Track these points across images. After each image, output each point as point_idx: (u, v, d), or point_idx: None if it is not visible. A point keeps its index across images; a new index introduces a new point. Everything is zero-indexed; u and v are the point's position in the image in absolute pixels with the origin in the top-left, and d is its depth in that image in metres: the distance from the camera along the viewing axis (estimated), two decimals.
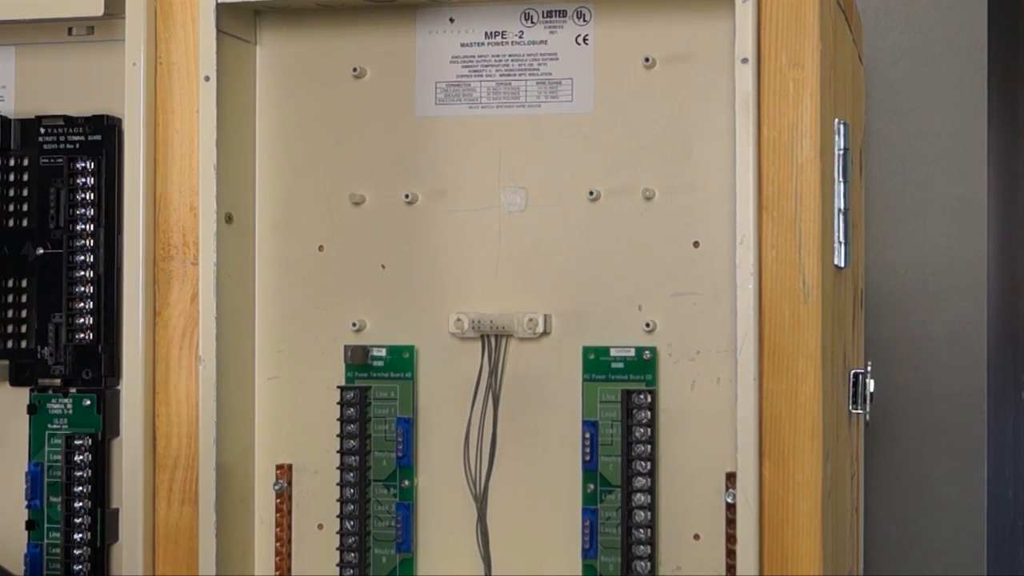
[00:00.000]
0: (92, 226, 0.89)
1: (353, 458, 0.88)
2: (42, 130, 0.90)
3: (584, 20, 0.87)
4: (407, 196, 0.90)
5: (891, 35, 1.37)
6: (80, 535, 0.90)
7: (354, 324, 0.90)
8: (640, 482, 0.85)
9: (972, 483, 1.37)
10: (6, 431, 0.93)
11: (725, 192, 0.85)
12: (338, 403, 0.88)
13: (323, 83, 0.92)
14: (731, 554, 0.83)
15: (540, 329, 0.87)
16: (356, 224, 0.91)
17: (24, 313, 0.90)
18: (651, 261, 0.86)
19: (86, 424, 0.90)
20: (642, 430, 0.85)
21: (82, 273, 0.89)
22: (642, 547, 0.85)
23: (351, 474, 0.88)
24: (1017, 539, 1.46)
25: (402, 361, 0.89)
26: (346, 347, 0.89)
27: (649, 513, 0.84)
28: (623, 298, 0.87)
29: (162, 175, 0.90)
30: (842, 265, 0.91)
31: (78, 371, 0.90)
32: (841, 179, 0.90)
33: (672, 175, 0.86)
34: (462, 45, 0.90)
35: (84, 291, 0.89)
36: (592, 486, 0.86)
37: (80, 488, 0.89)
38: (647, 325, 0.86)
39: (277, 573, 0.91)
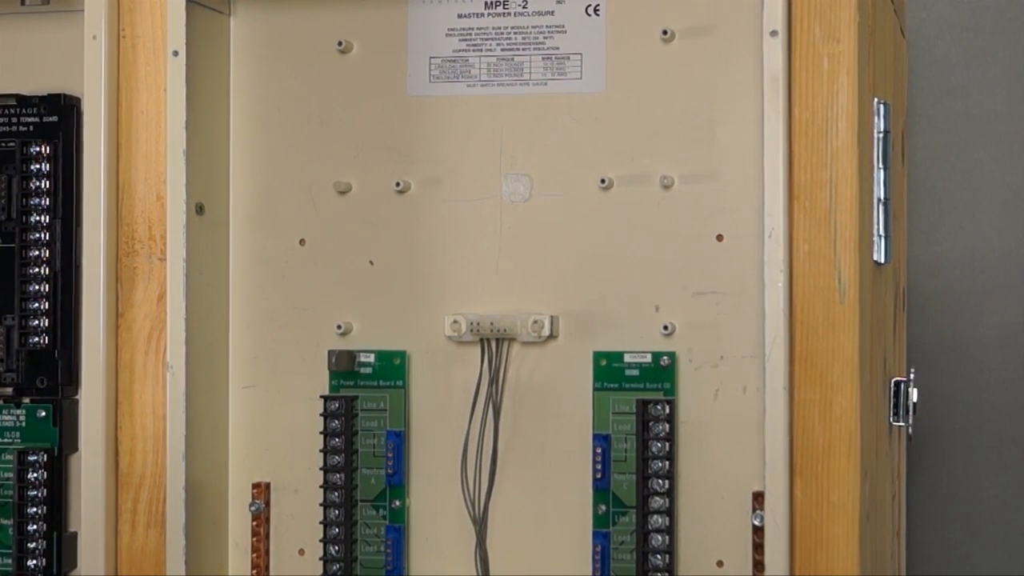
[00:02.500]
0: (48, 218, 0.89)
1: (338, 476, 0.89)
2: None
3: None
4: (398, 184, 0.89)
5: (937, 5, 1.38)
6: (34, 562, 0.88)
7: (339, 327, 0.90)
8: (657, 502, 0.84)
9: None
10: None
11: (752, 180, 0.84)
12: (321, 415, 0.88)
13: (305, 58, 0.92)
14: None
15: (546, 332, 0.87)
16: (341, 215, 0.91)
17: None
18: (670, 257, 0.86)
19: (41, 438, 0.90)
20: (660, 444, 0.84)
21: (37, 270, 0.89)
22: (660, 575, 0.84)
23: (336, 494, 0.89)
24: None
25: (393, 368, 0.90)
26: (330, 352, 0.88)
27: (667, 537, 0.84)
28: (638, 298, 0.87)
29: (126, 161, 0.88)
30: (882, 261, 0.90)
31: (32, 379, 0.89)
32: (881, 165, 0.88)
33: (693, 161, 0.86)
34: (459, 16, 0.90)
35: (39, 290, 0.89)
36: (604, 507, 0.86)
37: (34, 509, 0.88)
38: (665, 328, 0.85)
39: None
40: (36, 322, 0.89)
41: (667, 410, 0.84)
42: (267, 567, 0.91)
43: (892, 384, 1.01)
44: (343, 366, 0.90)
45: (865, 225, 0.84)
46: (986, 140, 1.40)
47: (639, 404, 0.84)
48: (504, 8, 0.89)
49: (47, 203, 0.89)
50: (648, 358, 0.85)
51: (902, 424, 1.02)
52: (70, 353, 0.89)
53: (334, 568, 0.89)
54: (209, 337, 0.91)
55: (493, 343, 0.88)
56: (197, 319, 0.88)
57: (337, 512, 0.88)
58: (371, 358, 0.89)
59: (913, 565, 1.35)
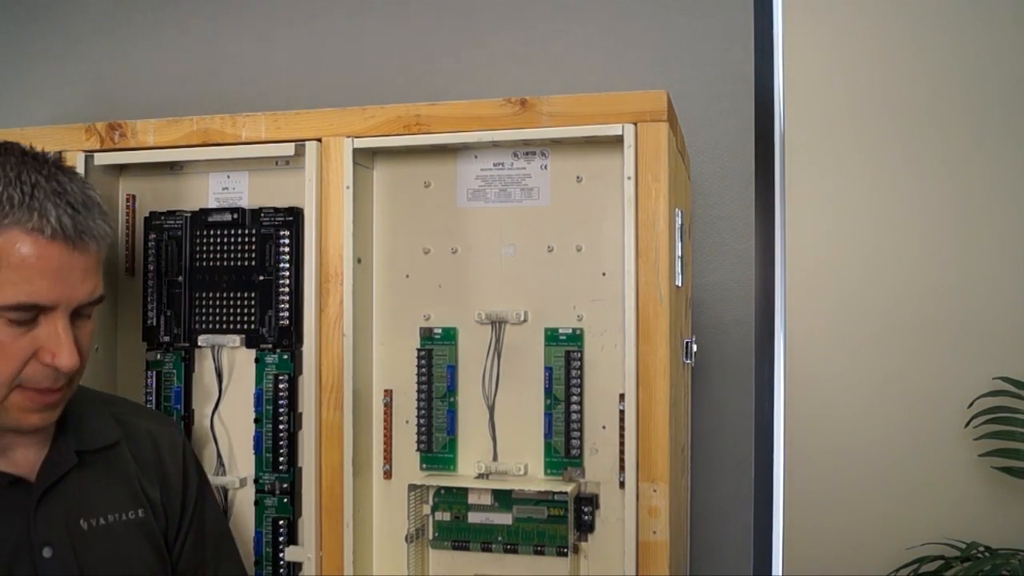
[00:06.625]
0: (288, 264, 1.20)
1: (425, 385, 1.17)
2: (262, 214, 1.21)
3: (545, 156, 1.16)
4: (453, 249, 1.18)
5: (703, 161, 1.70)
6: (285, 427, 1.18)
7: (425, 316, 1.18)
8: (574, 399, 1.13)
9: (744, 394, 1.68)
10: (245, 373, 1.24)
11: (620, 246, 1.09)
12: (417, 357, 1.18)
13: (408, 189, 1.19)
14: (622, 437, 1.11)
15: (522, 318, 1.15)
16: (426, 263, 1.18)
17: (253, 310, 1.21)
18: (580, 282, 1.14)
19: (286, 368, 1.21)
20: (575, 372, 1.13)
21: (283, 288, 1.20)
22: (575, 433, 1.13)
23: (423, 394, 1.18)
24: None
25: (450, 334, 1.17)
26: (421, 329, 1.18)
27: (579, 415, 1.13)
28: (566, 302, 1.14)
29: (324, 237, 1.15)
30: (679, 285, 1.19)
31: (281, 340, 1.20)
32: (679, 240, 1.15)
33: (591, 237, 1.13)
34: (481, 169, 1.17)
35: (284, 298, 1.19)
36: (549, 401, 1.14)
37: (283, 401, 1.20)
38: (579, 317, 1.14)
39: (384, 445, 1.20)
40: (283, 313, 1.19)
41: (579, 355, 1.12)
42: (391, 428, 1.19)
43: (684, 342, 1.28)
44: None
45: (672, 267, 1.09)
46: (720, 229, 1.70)
47: (566, 352, 1.13)
48: (502, 166, 1.17)
49: (288, 257, 1.19)
50: (571, 330, 1.13)
51: (689, 362, 1.32)
52: (299, 327, 1.18)
53: (422, 429, 1.17)
54: (363, 321, 1.18)
55: (498, 324, 1.15)
56: (357, 313, 1.15)
57: (424, 402, 1.17)
58: (440, 330, 1.17)
59: (694, 423, 1.66)
